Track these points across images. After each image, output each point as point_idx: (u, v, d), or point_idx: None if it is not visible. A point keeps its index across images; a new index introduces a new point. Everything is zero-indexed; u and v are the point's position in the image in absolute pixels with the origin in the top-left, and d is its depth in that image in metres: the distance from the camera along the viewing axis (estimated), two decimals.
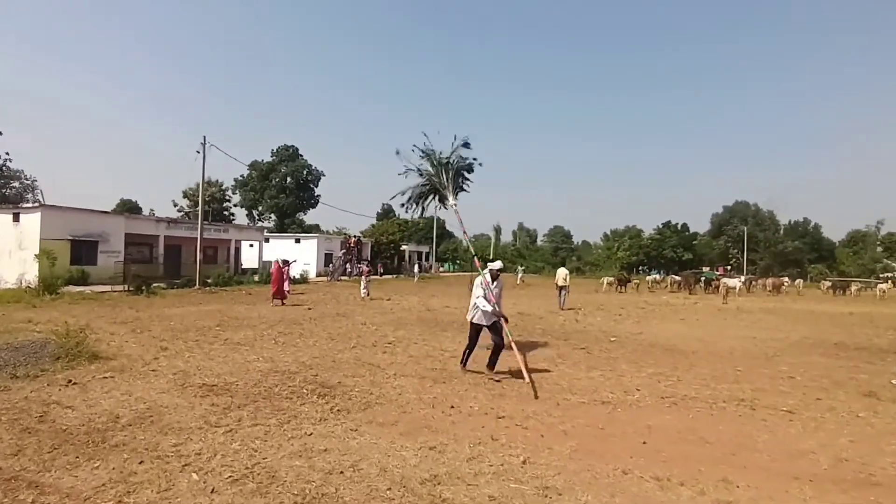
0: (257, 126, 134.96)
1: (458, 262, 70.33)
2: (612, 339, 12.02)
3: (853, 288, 35.37)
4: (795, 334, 14.03)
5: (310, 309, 16.98)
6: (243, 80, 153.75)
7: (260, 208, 68.22)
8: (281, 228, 61.99)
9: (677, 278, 37.57)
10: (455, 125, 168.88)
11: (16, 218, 23.93)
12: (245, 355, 8.80)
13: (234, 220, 65.42)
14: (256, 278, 29.94)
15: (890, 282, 38.60)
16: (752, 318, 18.32)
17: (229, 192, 68.68)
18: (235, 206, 69.05)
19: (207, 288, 24.06)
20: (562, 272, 20.64)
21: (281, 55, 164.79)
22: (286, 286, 19.33)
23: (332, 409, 5.78)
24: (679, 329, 14.57)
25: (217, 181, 66.96)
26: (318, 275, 40.27)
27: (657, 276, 45.40)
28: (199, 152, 23.98)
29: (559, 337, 12.22)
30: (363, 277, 23.03)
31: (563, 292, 20.04)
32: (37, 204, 23.87)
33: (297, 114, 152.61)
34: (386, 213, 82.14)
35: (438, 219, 78.91)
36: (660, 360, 9.64)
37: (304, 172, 67.36)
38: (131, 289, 20.87)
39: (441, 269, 48.70)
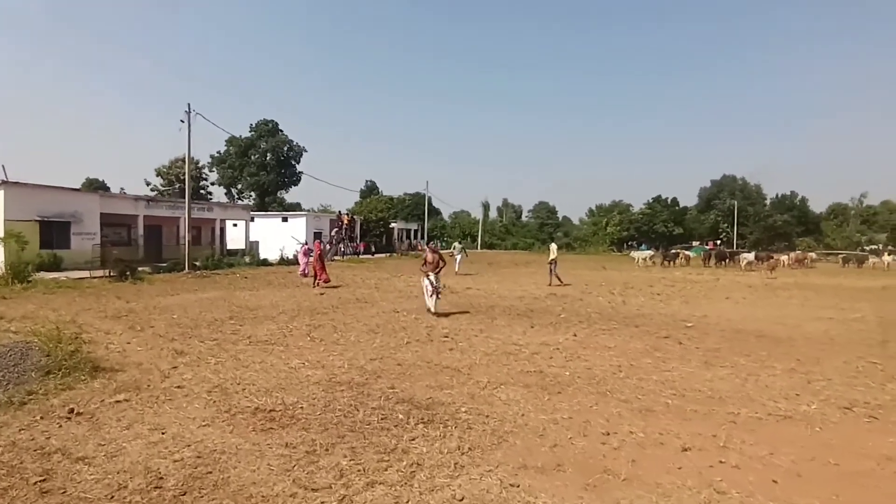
0: (234, 100, 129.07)
1: (446, 239, 68.57)
2: (688, 325, 10.61)
3: (871, 261, 35.03)
4: (863, 313, 12.90)
5: (322, 294, 15.18)
6: (218, 54, 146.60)
7: (239, 186, 64.87)
8: (262, 207, 59.12)
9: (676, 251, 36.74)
10: (438, 99, 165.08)
11: None
12: (284, 359, 7.06)
13: (211, 198, 62.21)
14: (248, 259, 27.76)
15: (889, 254, 38.44)
16: (796, 295, 17.23)
17: (206, 170, 65.13)
18: (213, 184, 65.54)
19: (197, 272, 21.91)
20: (553, 247, 20.63)
21: (257, 25, 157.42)
22: (305, 268, 17.55)
23: (459, 448, 4.14)
24: (740, 310, 13.28)
25: (193, 158, 63.32)
26: (306, 253, 38.12)
27: (647, 252, 44.76)
28: (183, 121, 21.50)
29: (624, 322, 10.76)
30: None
31: (553, 266, 19.38)
32: None
33: (276, 88, 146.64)
34: (370, 189, 79.63)
35: (425, 195, 77.11)
36: (768, 350, 8.25)
37: (286, 148, 64.14)
38: (113, 274, 18.65)
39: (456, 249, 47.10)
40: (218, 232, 33.66)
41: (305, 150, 65.49)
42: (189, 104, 21.42)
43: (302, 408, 5.00)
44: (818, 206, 73.79)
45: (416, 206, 73.55)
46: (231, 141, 62.76)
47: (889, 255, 36.66)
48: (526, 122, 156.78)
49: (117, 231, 28.49)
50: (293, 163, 64.98)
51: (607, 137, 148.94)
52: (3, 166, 21.75)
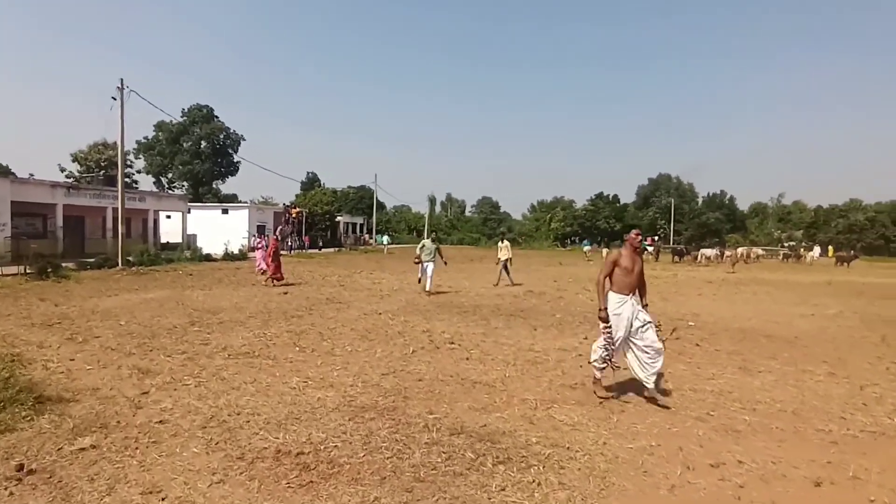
0: (162, 83, 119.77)
1: (391, 233, 67.10)
2: (691, 324, 10.27)
3: (808, 256, 37.31)
4: (835, 309, 13.20)
5: (286, 293, 13.76)
6: (144, 30, 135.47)
7: (170, 175, 60.37)
8: (196, 197, 55.20)
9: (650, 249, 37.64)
10: (389, 90, 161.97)
11: None
12: (279, 377, 5.88)
13: (137, 187, 57.36)
14: (188, 254, 25.36)
15: (817, 248, 41.36)
16: (758, 291, 17.65)
17: (131, 156, 59.92)
18: (139, 172, 60.43)
19: (132, 268, 19.60)
20: (506, 244, 17.67)
21: (192, 5, 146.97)
22: (263, 265, 15.90)
23: (570, 501, 3.25)
24: (722, 307, 13.23)
25: (114, 143, 58.12)
26: (252, 249, 35.74)
27: (589, 247, 45.78)
28: (115, 99, 19.03)
29: None
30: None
31: (507, 266, 17.35)
32: None
33: (212, 71, 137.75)
34: (311, 181, 76.64)
35: (370, 188, 75.22)
36: (788, 352, 7.96)
37: (222, 136, 60.27)
38: (30, 271, 16.21)
39: (383, 241, 45.52)
40: (151, 224, 30.76)
41: (243, 139, 61.95)
42: (122, 80, 19.03)
43: (337, 447, 3.92)
44: (743, 204, 78.70)
45: (360, 200, 71.57)
46: (160, 126, 58.40)
47: (813, 251, 39.34)
48: (467, 114, 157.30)
49: (31, 222, 25.37)
50: (230, 151, 61.21)
51: (549, 133, 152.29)
52: None
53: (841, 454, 4.11)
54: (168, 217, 35.36)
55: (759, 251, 40.54)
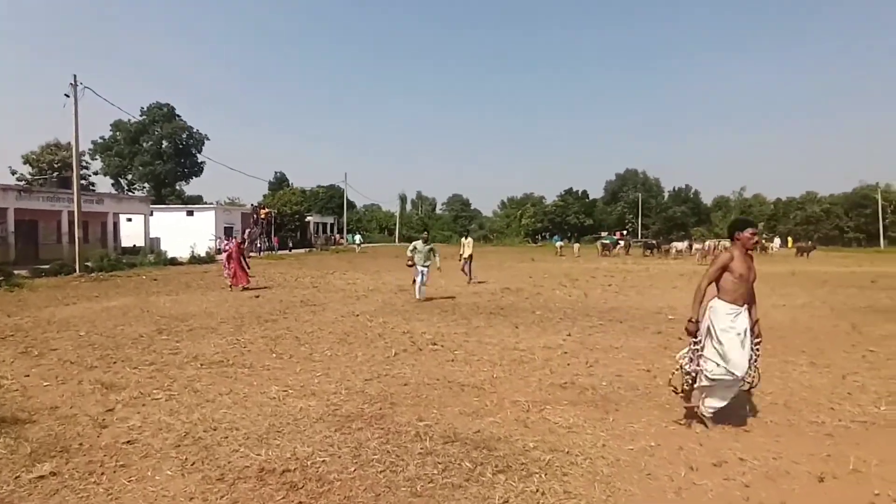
0: (122, 81, 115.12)
1: (363, 232, 66.30)
2: (670, 317, 10.32)
3: (771, 247, 38.50)
4: (804, 299, 13.56)
5: (257, 297, 13.30)
6: (99, 23, 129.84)
7: (129, 176, 58.15)
8: (159, 199, 53.35)
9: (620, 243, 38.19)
10: (357, 89, 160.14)
11: None
12: (257, 386, 5.56)
13: (94, 189, 55.10)
14: (152, 258, 24.36)
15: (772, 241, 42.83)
16: None
17: (86, 157, 57.47)
18: (96, 173, 58.04)
19: (91, 275, 18.66)
20: (468, 241, 17.57)
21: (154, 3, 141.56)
22: (229, 270, 15.22)
23: None
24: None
25: (68, 143, 55.60)
26: (220, 252, 34.70)
27: (561, 243, 46.30)
28: (68, 96, 18.03)
29: (605, 318, 10.25)
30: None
31: (470, 262, 17.16)
32: None
33: (174, 70, 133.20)
34: (279, 181, 75.13)
35: (340, 187, 74.21)
36: (770, 343, 7.98)
37: (184, 136, 58.37)
38: None
39: (356, 240, 44.75)
40: (111, 227, 29.49)
41: (207, 138, 60.16)
42: (75, 76, 18.06)
43: (325, 462, 3.67)
44: (707, 198, 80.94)
45: (329, 199, 70.54)
46: (118, 126, 56.21)
47: (773, 242, 40.71)
48: (436, 114, 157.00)
49: None
50: (193, 151, 59.37)
51: (517, 130, 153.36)
52: None
53: (837, 447, 4.07)
54: (129, 220, 34.01)
55: (727, 243, 41.62)
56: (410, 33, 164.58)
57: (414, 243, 12.83)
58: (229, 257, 14.95)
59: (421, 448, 3.92)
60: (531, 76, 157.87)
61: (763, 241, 45.45)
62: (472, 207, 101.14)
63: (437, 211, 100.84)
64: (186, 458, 3.72)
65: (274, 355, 6.95)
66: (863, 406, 5.06)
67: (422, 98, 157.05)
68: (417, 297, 12.39)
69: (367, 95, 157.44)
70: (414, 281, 12.78)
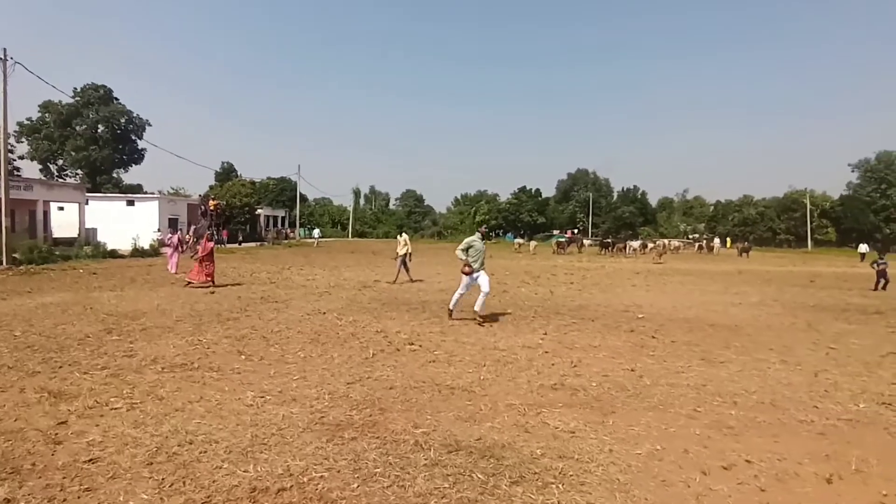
0: (55, 58, 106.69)
1: (316, 226, 64.68)
2: (640, 316, 10.46)
3: (716, 247, 40.37)
4: (757, 297, 14.17)
5: (212, 293, 12.54)
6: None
7: (60, 162, 54.17)
8: (94, 187, 49.99)
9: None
10: (311, 78, 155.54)
11: None
12: (230, 391, 5.12)
13: (20, 174, 50.98)
14: (89, 251, 22.65)
15: (718, 240, 44.99)
16: (684, 281, 18.67)
17: (12, 140, 53.01)
18: (22, 157, 53.64)
19: (20, 267, 17.10)
20: (404, 238, 16.33)
21: None
22: (174, 264, 14.24)
23: None
24: (659, 297, 13.76)
25: None
26: (164, 245, 32.83)
27: (520, 241, 46.84)
28: None
29: (577, 316, 10.28)
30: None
31: (406, 261, 15.97)
32: None
33: (111, 50, 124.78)
34: (226, 171, 72.16)
35: (291, 180, 72.08)
36: (739, 341, 8.28)
37: (123, 120, 54.91)
38: None
39: (314, 234, 43.42)
40: (40, 216, 27.27)
41: (149, 124, 56.92)
42: (4, 49, 16.44)
43: (323, 478, 3.34)
44: (653, 198, 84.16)
45: (280, 192, 68.45)
46: (48, 107, 52.27)
47: (714, 242, 42.82)
48: (389, 107, 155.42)
49: None
50: (133, 137, 56.03)
51: (472, 127, 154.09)
52: None
53: (833, 446, 4.13)
54: (60, 209, 31.60)
55: (677, 242, 43.39)
56: (368, 20, 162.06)
57: (468, 240, 9.59)
58: (172, 249, 13.92)
59: (425, 459, 3.66)
60: (490, 71, 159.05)
61: (706, 241, 47.75)
62: (426, 203, 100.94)
63: (391, 206, 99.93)
64: (163, 479, 3.30)
65: (243, 357, 6.47)
66: (843, 404, 5.20)
67: (379, 90, 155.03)
68: (478, 308, 9.32)
69: (320, 86, 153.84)
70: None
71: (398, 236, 16.74)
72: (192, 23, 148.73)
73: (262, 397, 4.96)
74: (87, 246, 24.09)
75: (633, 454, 3.87)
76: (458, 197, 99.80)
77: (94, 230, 31.11)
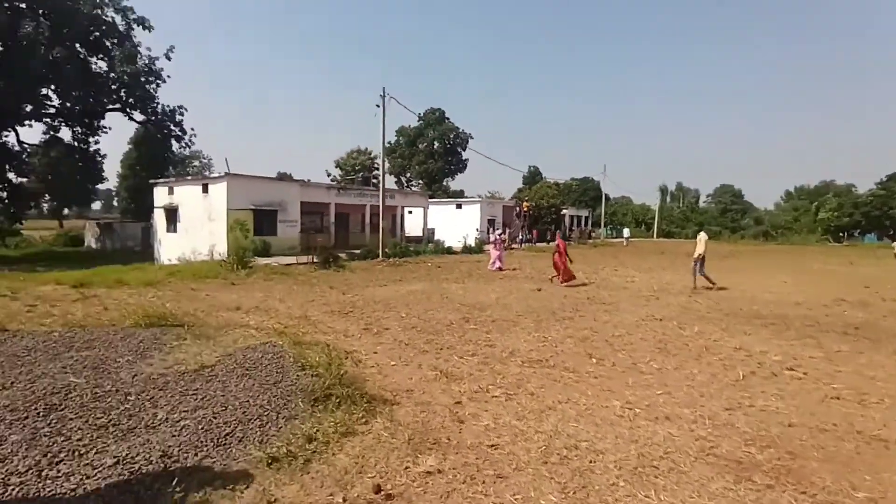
0: (406, 88, 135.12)
1: (618, 226, 63.10)
2: None
3: None
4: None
5: (539, 290, 13.13)
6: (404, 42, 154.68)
7: (408, 175, 67.16)
8: (431, 195, 60.21)
9: None
10: (619, 80, 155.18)
11: (205, 189, 23.49)
12: (594, 397, 4.97)
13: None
14: (431, 247, 27.21)
15: None
16: None
17: (377, 160, 68.42)
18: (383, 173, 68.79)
19: (389, 260, 21.60)
20: (703, 237, 14.10)
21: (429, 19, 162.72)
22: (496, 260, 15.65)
23: None
24: None
25: (367, 149, 67.05)
26: (491, 243, 37.05)
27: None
28: (378, 106, 21.24)
29: None
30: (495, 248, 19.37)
31: (699, 263, 13.69)
32: (223, 174, 23.17)
33: (442, 73, 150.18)
34: (532, 175, 77.19)
35: (593, 179, 72.24)
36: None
37: (452, 136, 64.54)
38: (316, 261, 18.89)
39: (623, 234, 42.63)
40: (399, 219, 34.05)
41: (471, 137, 65.21)
42: (384, 88, 20.97)
43: None
44: None
45: (583, 192, 69.32)
46: (401, 131, 65.13)
47: None
48: (705, 97, 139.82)
49: (312, 219, 29.99)
50: (459, 150, 65.17)
51: (806, 111, 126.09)
52: (226, 160, 23.69)
53: None
54: (409, 212, 38.86)
55: None
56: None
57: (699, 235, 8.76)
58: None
59: None
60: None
61: None
62: (745, 199, 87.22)
63: (701, 204, 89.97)
64: (565, 484, 3.25)
65: (594, 361, 6.33)
66: None
67: (699, 80, 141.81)
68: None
69: (620, 88, 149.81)
70: None
71: (698, 235, 14.54)
72: (491, 50, 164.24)
73: (631, 409, 4.63)
74: (430, 243, 28.91)
75: None
76: (792, 189, 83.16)
77: (433, 230, 37.20)
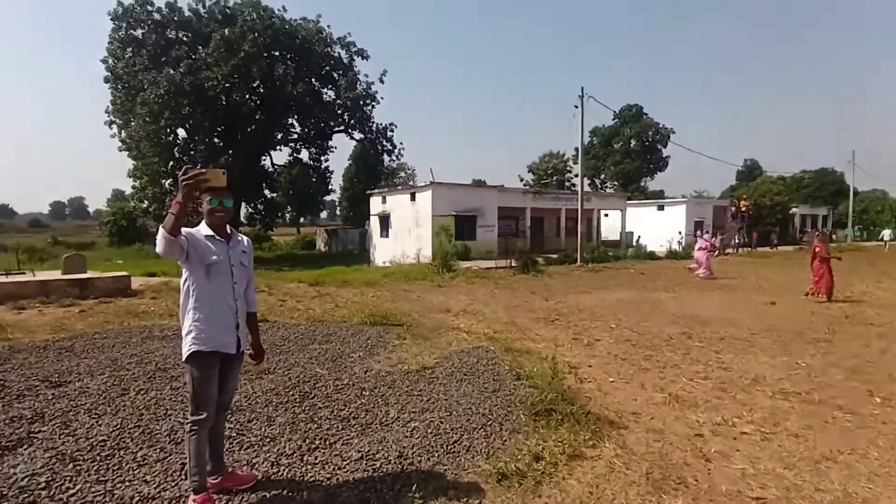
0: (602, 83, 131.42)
1: (871, 227, 51.15)
2: None
3: None
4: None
5: (773, 303, 11.14)
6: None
7: (602, 176, 64.38)
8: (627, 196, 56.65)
9: None
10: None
11: (412, 197, 25.66)
12: (890, 450, 3.85)
13: (575, 189, 63.52)
14: (631, 252, 25.50)
15: None
16: None
17: (570, 163, 66.99)
18: (576, 175, 67.06)
19: (588, 265, 20.79)
20: None
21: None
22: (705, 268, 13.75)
23: None
24: None
25: (559, 152, 66.22)
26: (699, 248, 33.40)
27: None
28: (577, 107, 20.72)
29: None
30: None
31: None
32: (428, 183, 25.07)
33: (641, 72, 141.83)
34: (749, 169, 67.46)
35: (833, 171, 60.15)
36: None
37: (651, 132, 59.89)
38: (515, 265, 19.08)
39: (884, 236, 34.46)
40: (595, 222, 32.76)
41: (673, 132, 59.78)
42: (582, 88, 20.34)
43: None
44: None
45: (819, 187, 58.11)
46: (594, 132, 62.80)
47: None
48: None
49: (508, 223, 30.57)
50: (659, 147, 60.23)
51: None
52: (430, 169, 25.61)
53: None
54: (605, 215, 37.05)
55: None
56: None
57: None
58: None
59: None
60: None
61: None
62: None
63: None
64: None
65: (877, 400, 4.99)
66: None
67: None
68: None
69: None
70: None
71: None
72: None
73: None
74: (629, 248, 27.12)
75: None
76: None
77: (631, 233, 34.88)
